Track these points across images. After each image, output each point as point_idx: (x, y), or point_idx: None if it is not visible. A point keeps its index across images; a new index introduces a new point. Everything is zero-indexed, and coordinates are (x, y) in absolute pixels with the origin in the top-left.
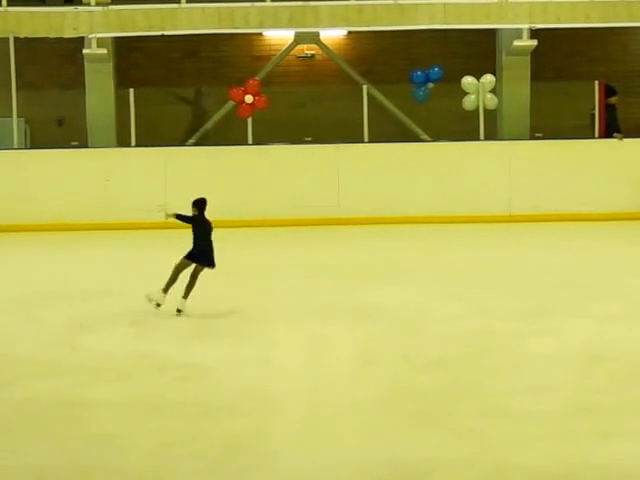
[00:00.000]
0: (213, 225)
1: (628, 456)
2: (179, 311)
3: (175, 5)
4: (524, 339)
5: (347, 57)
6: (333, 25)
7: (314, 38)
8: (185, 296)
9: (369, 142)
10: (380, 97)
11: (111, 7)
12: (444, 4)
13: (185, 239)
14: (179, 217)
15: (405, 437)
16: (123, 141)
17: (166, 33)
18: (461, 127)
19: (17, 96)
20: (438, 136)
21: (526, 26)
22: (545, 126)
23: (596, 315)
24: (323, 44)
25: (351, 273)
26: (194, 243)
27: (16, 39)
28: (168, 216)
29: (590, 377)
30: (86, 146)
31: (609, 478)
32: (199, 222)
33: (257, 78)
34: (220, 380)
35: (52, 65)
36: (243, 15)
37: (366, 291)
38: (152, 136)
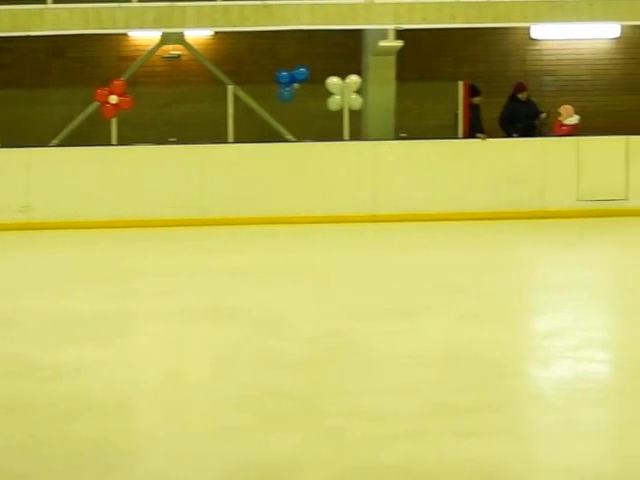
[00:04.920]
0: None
1: (484, 454)
2: None
3: (41, 5)
4: (385, 339)
5: (213, 57)
6: (199, 26)
7: (179, 38)
8: None
9: (234, 142)
10: (246, 97)
11: None
12: (310, 5)
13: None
14: None
15: (265, 437)
16: None
17: (32, 34)
18: (326, 127)
19: None
20: (303, 136)
21: (392, 27)
22: (410, 126)
23: (457, 315)
24: (189, 44)
25: (214, 274)
26: None
27: None
28: None
29: (449, 377)
30: None
31: (465, 476)
32: None
33: (122, 78)
34: (82, 381)
35: None
36: (110, 16)
37: (230, 292)
38: (16, 137)
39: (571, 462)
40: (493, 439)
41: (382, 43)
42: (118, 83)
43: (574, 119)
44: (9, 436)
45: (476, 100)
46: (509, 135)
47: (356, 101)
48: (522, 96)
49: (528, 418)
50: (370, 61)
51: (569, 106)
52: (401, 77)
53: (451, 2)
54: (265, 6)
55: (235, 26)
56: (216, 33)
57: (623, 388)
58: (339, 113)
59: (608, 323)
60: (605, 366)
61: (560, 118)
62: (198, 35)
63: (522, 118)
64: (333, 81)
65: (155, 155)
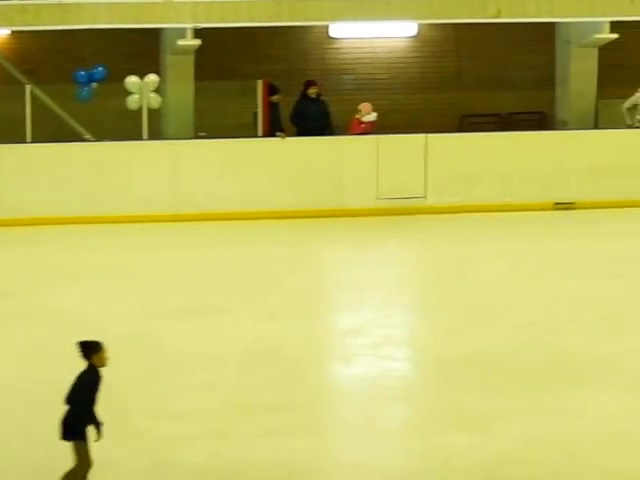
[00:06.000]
0: None
1: (285, 453)
2: None
3: None
4: (188, 338)
5: (10, 57)
6: None
7: None
8: None
9: (32, 142)
10: (43, 97)
11: None
12: (108, 4)
13: None
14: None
15: None
16: None
17: None
18: (125, 126)
19: None
20: (102, 136)
21: (190, 26)
22: (209, 125)
23: (258, 314)
24: None
25: (16, 275)
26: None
27: None
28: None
29: (251, 376)
30: None
31: (266, 474)
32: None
33: None
34: None
35: None
36: None
37: (30, 291)
38: None
39: (371, 460)
40: (294, 438)
41: (180, 42)
42: None
43: (372, 116)
44: None
45: (275, 98)
46: (301, 130)
47: (155, 100)
48: (312, 93)
49: (329, 416)
50: (168, 60)
51: (368, 103)
52: (201, 76)
53: (249, 1)
54: (61, 5)
55: (32, 25)
56: (13, 32)
57: (423, 385)
58: (138, 112)
59: (408, 320)
60: (405, 363)
61: (358, 115)
62: None
63: (312, 116)
64: (132, 80)
65: None
